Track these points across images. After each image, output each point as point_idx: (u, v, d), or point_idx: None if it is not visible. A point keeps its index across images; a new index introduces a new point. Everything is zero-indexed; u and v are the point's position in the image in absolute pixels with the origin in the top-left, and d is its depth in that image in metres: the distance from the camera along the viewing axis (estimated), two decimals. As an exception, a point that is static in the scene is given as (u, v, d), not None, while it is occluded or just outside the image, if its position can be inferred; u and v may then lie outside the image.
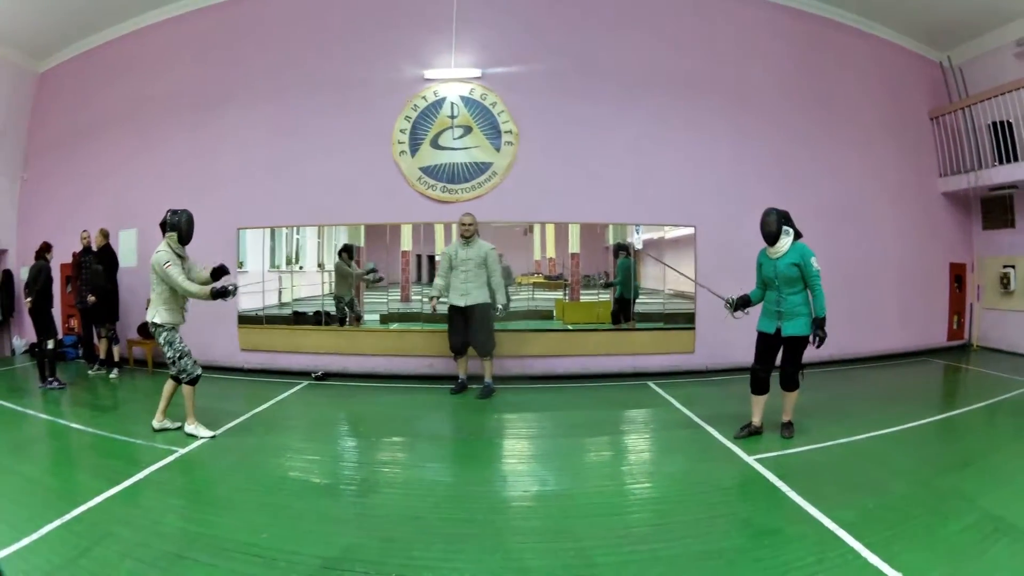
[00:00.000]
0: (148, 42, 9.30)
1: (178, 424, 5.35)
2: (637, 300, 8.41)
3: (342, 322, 8.54)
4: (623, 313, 8.41)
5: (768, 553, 3.04)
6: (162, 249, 5.09)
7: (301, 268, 8.83)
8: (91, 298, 8.01)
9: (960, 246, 10.22)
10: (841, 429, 5.29)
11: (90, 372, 8.16)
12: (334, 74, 8.47)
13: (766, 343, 5.12)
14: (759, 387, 5.17)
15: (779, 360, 5.09)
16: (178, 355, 5.17)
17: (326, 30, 8.57)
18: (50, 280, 7.61)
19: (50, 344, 7.45)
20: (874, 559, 2.90)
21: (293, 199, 8.32)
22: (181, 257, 5.21)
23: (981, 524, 3.29)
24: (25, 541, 3.12)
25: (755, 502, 3.73)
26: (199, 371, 5.30)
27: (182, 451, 4.78)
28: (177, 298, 5.18)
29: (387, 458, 4.92)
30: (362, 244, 8.54)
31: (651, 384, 7.19)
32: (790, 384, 5.06)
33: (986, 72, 9.48)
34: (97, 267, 8.03)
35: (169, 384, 5.31)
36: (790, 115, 8.86)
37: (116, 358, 8.15)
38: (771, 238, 5.00)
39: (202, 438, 5.12)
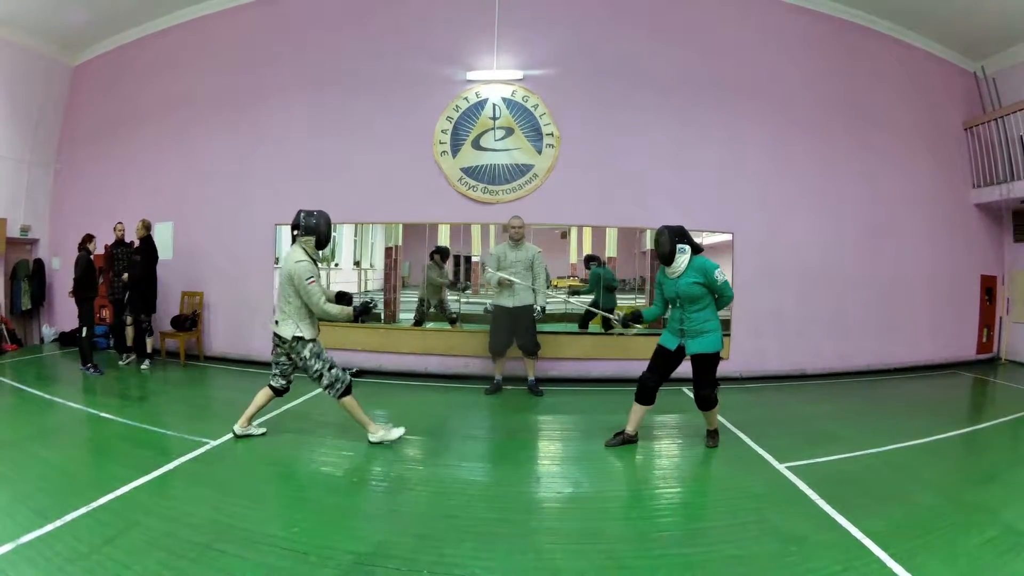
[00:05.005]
0: (186, 38, 9.46)
1: (263, 431, 5.16)
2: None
3: (419, 323, 8.50)
4: (605, 320, 8.29)
5: (796, 560, 3.05)
6: (303, 260, 4.72)
7: (337, 266, 8.86)
8: (125, 276, 8.17)
9: (992, 258, 10.08)
10: (871, 439, 5.28)
11: (121, 363, 8.28)
12: (375, 74, 8.54)
13: (664, 356, 4.94)
14: (644, 397, 4.98)
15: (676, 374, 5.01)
16: (327, 365, 4.85)
17: (368, 30, 8.65)
18: (89, 270, 7.77)
19: (83, 332, 7.65)
20: (898, 569, 2.91)
21: (331, 197, 8.20)
22: (315, 262, 4.86)
23: (1003, 538, 3.29)
24: (49, 527, 3.13)
25: (785, 509, 3.71)
26: (350, 376, 5.00)
27: (213, 443, 4.83)
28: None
29: (421, 456, 4.92)
30: (400, 243, 8.55)
31: (685, 390, 7.14)
32: (705, 405, 4.90)
33: (1020, 83, 9.36)
34: (136, 258, 8.14)
35: (264, 393, 5.07)
36: (826, 123, 8.80)
37: (149, 349, 8.27)
38: (666, 259, 4.79)
39: (392, 441, 4.99)
